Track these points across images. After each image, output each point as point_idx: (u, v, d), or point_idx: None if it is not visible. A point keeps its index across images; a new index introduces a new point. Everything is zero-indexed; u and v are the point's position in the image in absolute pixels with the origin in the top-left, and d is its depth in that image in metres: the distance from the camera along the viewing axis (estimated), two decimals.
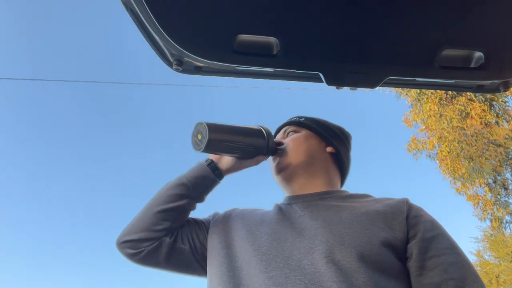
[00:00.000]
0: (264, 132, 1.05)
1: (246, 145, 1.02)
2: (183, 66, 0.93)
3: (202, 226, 1.04)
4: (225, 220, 1.02)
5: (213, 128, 0.97)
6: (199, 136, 0.97)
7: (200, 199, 1.04)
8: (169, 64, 0.94)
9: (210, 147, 0.97)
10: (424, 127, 8.17)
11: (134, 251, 0.96)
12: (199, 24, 0.83)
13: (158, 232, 0.97)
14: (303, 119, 1.13)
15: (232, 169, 1.05)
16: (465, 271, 0.78)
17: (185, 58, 0.90)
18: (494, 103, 7.63)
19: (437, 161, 8.06)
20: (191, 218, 1.06)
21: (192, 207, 1.04)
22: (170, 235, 0.99)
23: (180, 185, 1.01)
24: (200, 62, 0.89)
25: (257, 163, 1.06)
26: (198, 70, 0.97)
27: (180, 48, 0.83)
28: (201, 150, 0.97)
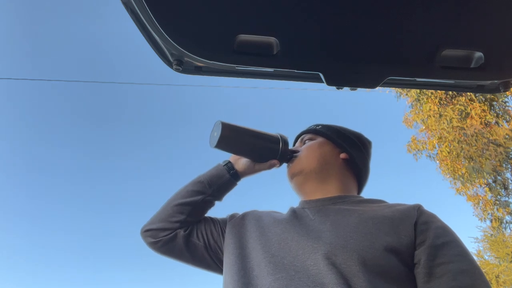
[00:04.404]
0: (280, 139, 1.10)
1: (258, 147, 1.09)
2: (183, 66, 0.93)
3: (217, 225, 1.10)
4: (241, 221, 1.05)
5: (228, 127, 1.04)
6: (215, 134, 1.06)
7: (217, 197, 1.12)
8: (169, 64, 0.94)
9: (222, 144, 1.04)
10: (424, 127, 8.16)
11: (153, 239, 1.06)
12: (199, 24, 0.83)
13: (173, 223, 1.06)
14: (319, 126, 1.16)
15: (247, 171, 1.12)
16: (475, 279, 0.76)
17: (185, 58, 0.90)
18: (494, 103, 7.63)
19: (437, 162, 8.06)
20: (208, 217, 1.13)
21: (208, 204, 1.12)
22: (185, 228, 1.07)
23: (198, 182, 1.10)
24: (200, 62, 0.89)
25: (270, 167, 1.12)
26: (198, 70, 0.97)
27: (180, 48, 0.83)
28: (214, 146, 1.05)
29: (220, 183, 1.10)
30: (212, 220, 1.12)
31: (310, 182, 1.06)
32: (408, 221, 0.85)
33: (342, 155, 1.09)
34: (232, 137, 1.05)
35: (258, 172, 1.14)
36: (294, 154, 1.11)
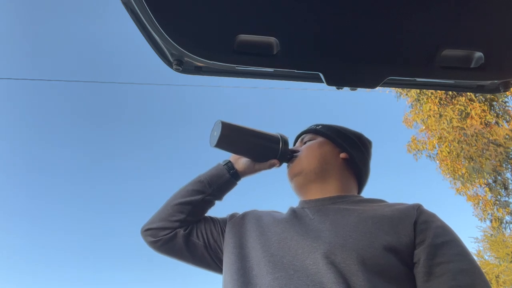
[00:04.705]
0: (280, 138, 1.10)
1: (258, 147, 1.09)
2: (183, 66, 0.93)
3: (217, 225, 1.10)
4: (241, 221, 1.05)
5: (228, 126, 1.05)
6: (215, 133, 1.06)
7: (217, 196, 1.13)
8: (169, 64, 0.94)
9: (221, 143, 1.05)
10: (424, 127, 8.17)
11: (153, 239, 1.07)
12: (199, 24, 0.83)
13: (173, 222, 1.07)
14: (319, 126, 1.17)
15: (247, 171, 1.13)
16: (474, 279, 0.76)
17: (185, 58, 0.90)
18: (494, 103, 7.63)
19: (437, 162, 8.06)
20: (208, 216, 1.13)
21: (208, 203, 1.12)
22: (185, 227, 1.07)
23: (198, 182, 1.11)
24: (200, 62, 0.89)
25: (270, 167, 1.13)
26: (198, 70, 0.97)
27: (180, 48, 0.83)
28: (214, 145, 1.05)
29: (220, 182, 1.11)
30: (212, 219, 1.12)
31: (310, 182, 1.06)
32: (407, 221, 0.85)
33: (342, 155, 1.09)
34: (232, 137, 1.06)
35: (258, 172, 1.14)
36: (294, 154, 1.11)
